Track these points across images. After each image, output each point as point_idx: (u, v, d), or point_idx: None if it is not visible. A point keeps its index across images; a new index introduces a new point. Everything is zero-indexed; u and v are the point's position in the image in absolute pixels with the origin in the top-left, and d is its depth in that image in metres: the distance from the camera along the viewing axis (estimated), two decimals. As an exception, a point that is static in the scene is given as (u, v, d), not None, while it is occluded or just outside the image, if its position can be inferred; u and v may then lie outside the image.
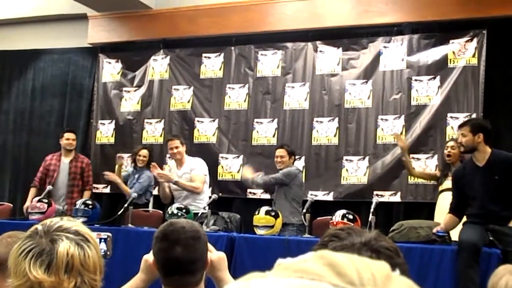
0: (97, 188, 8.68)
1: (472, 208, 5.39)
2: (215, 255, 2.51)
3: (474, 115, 7.11)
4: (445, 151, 6.68)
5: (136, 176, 7.73)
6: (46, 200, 7.01)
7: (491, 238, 5.15)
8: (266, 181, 7.04)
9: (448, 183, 6.56)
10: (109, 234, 2.12)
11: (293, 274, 0.59)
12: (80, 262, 1.54)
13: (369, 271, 0.60)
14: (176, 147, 7.13)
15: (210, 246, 2.51)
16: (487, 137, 5.41)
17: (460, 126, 5.62)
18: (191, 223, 2.46)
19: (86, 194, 7.99)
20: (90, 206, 6.82)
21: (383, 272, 0.61)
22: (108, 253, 2.00)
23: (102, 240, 2.12)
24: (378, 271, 0.61)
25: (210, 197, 6.71)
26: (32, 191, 7.91)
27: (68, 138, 8.02)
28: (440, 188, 6.72)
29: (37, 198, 7.08)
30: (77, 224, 1.67)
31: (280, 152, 7.12)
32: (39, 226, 1.62)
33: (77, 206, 6.79)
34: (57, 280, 1.50)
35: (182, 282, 2.37)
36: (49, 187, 7.59)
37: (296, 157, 7.69)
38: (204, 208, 6.49)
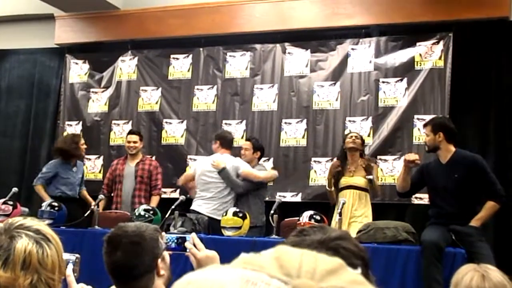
0: (165, 193, 8.00)
1: (435, 207, 5.47)
2: (203, 254, 2.49)
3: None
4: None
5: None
6: (11, 202, 6.87)
7: (454, 239, 5.22)
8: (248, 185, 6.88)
9: (348, 180, 6.42)
10: (78, 255, 2.12)
11: (240, 266, 0.64)
12: (37, 260, 1.53)
13: (312, 265, 0.62)
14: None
15: (199, 244, 2.50)
16: (449, 135, 5.50)
17: (424, 126, 5.74)
18: (138, 228, 2.42)
19: (154, 199, 7.39)
20: (56, 208, 6.69)
21: (328, 267, 0.62)
22: (75, 274, 2.00)
23: (70, 261, 2.11)
24: (323, 265, 0.62)
25: (177, 199, 6.68)
26: (102, 201, 7.13)
27: (129, 141, 7.48)
28: (342, 185, 6.48)
29: (1, 200, 6.89)
30: (39, 223, 1.65)
31: (245, 145, 7.19)
32: (0, 224, 1.61)
33: (43, 208, 6.66)
34: (12, 276, 1.49)
35: (127, 287, 2.37)
36: (103, 196, 7.04)
37: (265, 158, 7.70)
38: (172, 210, 6.45)
